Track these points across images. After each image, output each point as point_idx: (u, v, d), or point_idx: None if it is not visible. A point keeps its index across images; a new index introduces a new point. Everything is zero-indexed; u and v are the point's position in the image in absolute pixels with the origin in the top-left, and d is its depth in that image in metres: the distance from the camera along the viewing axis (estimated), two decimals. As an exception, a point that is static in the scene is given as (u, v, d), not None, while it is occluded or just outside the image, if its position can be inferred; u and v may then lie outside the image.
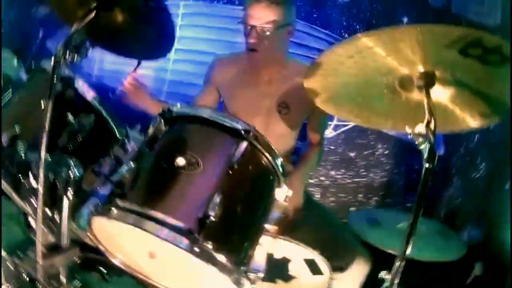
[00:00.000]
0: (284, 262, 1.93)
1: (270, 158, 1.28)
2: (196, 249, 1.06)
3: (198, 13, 3.14)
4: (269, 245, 1.54)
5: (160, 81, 3.22)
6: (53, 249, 1.38)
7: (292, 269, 1.95)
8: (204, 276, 1.27)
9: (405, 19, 2.99)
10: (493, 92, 1.25)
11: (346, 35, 3.11)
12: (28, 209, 1.45)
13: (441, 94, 1.31)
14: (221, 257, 1.10)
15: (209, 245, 1.08)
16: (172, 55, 3.15)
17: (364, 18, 3.12)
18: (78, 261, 1.46)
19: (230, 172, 1.16)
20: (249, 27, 1.96)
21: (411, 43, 1.16)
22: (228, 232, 1.14)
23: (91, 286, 1.68)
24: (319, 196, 3.31)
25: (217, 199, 1.09)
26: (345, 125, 3.17)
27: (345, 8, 3.12)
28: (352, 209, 3.33)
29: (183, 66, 3.19)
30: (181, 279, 1.40)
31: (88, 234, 1.33)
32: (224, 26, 3.13)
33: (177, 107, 1.29)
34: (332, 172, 3.35)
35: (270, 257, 1.53)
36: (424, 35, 1.12)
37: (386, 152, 3.26)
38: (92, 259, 1.69)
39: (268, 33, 1.93)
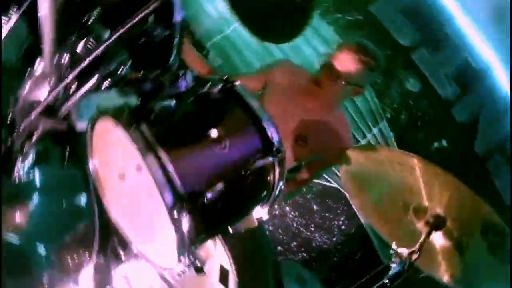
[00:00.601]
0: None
1: (277, 179, 1.35)
2: (175, 213, 1.12)
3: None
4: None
5: (217, 30, 3.24)
6: (50, 111, 1.41)
7: (207, 266, 2.06)
8: (153, 226, 1.34)
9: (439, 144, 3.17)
10: (476, 273, 1.38)
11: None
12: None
13: (438, 239, 1.43)
14: (186, 229, 1.16)
15: (186, 217, 1.14)
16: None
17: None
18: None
19: (242, 172, 1.23)
20: (328, 63, 2.04)
21: (445, 190, 1.28)
22: (207, 218, 1.21)
23: (45, 156, 1.70)
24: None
25: (220, 186, 1.16)
26: (329, 182, 3.28)
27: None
28: (279, 248, 3.45)
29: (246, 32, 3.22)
30: (130, 214, 1.45)
31: (89, 122, 1.37)
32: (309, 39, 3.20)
33: (239, 85, 1.34)
34: (287, 209, 3.45)
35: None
36: (461, 195, 1.24)
37: (344, 227, 3.39)
38: (67, 136, 1.73)
39: (339, 80, 2.02)
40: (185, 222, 1.14)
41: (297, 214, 3.44)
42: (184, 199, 1.12)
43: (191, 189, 1.14)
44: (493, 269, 1.32)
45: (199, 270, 2.06)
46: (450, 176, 1.27)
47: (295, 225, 3.44)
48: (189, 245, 1.21)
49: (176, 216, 1.12)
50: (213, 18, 3.12)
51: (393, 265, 1.35)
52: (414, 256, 1.34)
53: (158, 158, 1.14)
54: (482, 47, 3.20)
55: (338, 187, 3.14)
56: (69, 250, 1.88)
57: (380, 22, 3.14)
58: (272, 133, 1.30)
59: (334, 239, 3.43)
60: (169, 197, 1.11)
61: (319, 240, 3.44)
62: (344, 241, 3.41)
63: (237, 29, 3.16)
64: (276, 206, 3.35)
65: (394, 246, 1.36)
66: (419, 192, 1.36)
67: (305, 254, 3.43)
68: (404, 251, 1.35)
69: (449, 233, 1.39)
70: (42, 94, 1.42)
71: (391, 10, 3.11)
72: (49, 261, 1.82)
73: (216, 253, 2.15)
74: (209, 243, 2.04)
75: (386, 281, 1.33)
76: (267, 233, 3.34)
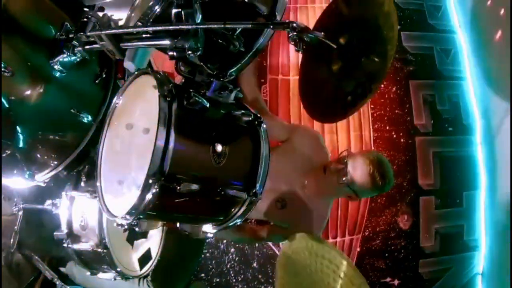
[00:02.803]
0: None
1: (238, 215, 1.58)
2: (150, 180, 1.36)
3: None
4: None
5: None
6: (116, 37, 1.67)
7: (141, 242, 2.32)
8: (125, 178, 1.59)
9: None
10: None
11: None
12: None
13: None
14: (148, 198, 1.38)
15: (155, 190, 1.37)
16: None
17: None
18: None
19: (218, 189, 1.48)
20: (344, 158, 2.22)
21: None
22: (168, 202, 1.44)
23: (85, 65, 1.91)
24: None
25: (195, 187, 1.40)
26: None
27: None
28: (201, 274, 3.63)
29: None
30: (114, 158, 1.68)
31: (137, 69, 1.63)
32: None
33: (264, 128, 1.59)
34: (231, 249, 3.62)
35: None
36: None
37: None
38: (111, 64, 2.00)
39: (342, 178, 2.18)
40: (151, 193, 1.37)
41: (236, 259, 3.63)
42: (164, 176, 1.36)
43: (174, 173, 1.38)
44: None
45: (132, 238, 2.30)
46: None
47: (228, 266, 3.62)
48: (140, 212, 1.42)
49: (148, 183, 1.36)
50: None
51: None
52: None
53: (168, 135, 1.37)
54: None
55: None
56: (44, 147, 2.06)
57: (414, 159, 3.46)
58: (260, 180, 1.54)
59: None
60: (155, 167, 1.35)
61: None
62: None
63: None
64: (224, 241, 3.57)
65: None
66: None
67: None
68: None
69: None
70: (123, 20, 1.70)
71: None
72: (23, 143, 1.96)
73: (154, 237, 2.38)
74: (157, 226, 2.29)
75: None
76: (202, 255, 3.54)
